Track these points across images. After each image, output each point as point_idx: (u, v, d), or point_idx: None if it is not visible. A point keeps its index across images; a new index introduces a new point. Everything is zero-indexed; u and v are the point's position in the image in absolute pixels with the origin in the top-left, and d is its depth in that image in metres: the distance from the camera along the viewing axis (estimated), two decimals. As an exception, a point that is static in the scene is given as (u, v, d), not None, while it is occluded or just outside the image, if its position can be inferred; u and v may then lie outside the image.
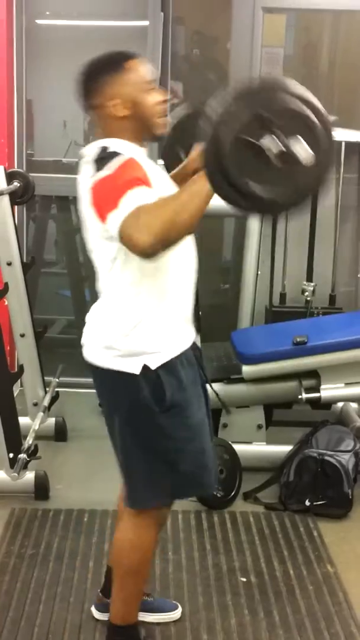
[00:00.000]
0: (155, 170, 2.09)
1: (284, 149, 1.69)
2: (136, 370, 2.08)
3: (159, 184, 2.03)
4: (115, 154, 1.96)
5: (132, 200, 1.86)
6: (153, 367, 2.08)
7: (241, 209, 1.80)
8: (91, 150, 2.05)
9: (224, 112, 1.71)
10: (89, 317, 2.20)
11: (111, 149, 1.99)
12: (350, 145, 3.98)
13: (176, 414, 2.13)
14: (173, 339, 2.13)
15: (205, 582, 2.76)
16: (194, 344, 2.24)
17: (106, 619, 2.41)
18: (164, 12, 4.26)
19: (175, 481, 2.20)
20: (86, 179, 2.02)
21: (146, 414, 2.10)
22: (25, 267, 3.64)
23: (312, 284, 3.97)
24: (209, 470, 2.25)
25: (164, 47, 4.28)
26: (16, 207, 3.91)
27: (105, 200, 1.92)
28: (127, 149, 2.01)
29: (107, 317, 2.12)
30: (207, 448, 2.23)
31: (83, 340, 2.21)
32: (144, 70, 2.12)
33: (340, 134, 4.04)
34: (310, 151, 1.69)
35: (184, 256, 2.12)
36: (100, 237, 2.03)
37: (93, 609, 2.55)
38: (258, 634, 2.50)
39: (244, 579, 2.80)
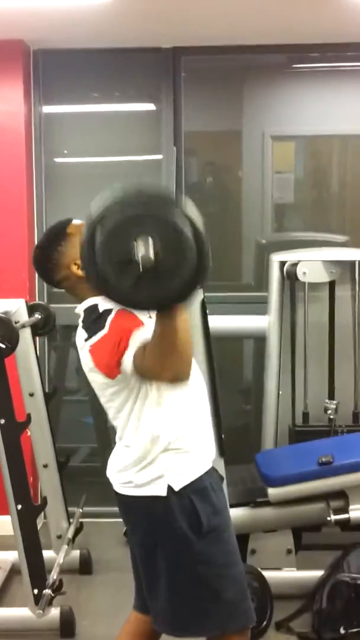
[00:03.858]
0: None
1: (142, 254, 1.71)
2: (162, 492, 2.08)
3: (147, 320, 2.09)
4: (104, 314, 2.06)
5: (137, 339, 1.96)
6: (177, 488, 2.07)
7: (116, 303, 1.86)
8: (81, 313, 2.19)
9: (100, 215, 1.77)
10: (115, 456, 2.24)
11: (100, 308, 2.09)
12: (363, 263, 4.04)
13: (213, 539, 2.11)
14: (194, 459, 2.14)
15: None
16: (213, 468, 2.23)
17: None
18: (176, 146, 4.42)
19: (220, 610, 2.13)
20: (82, 342, 2.13)
21: (183, 541, 2.09)
22: (47, 397, 3.67)
23: (335, 401, 3.94)
24: (249, 598, 2.21)
25: (177, 177, 4.42)
26: (37, 337, 3.98)
27: (110, 352, 2.00)
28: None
29: (130, 453, 2.14)
30: (243, 575, 2.21)
31: (109, 474, 2.25)
32: (83, 226, 2.21)
33: (353, 253, 4.13)
34: (150, 254, 1.69)
35: (195, 378, 2.15)
36: (114, 388, 2.10)
37: None
38: None
39: None
